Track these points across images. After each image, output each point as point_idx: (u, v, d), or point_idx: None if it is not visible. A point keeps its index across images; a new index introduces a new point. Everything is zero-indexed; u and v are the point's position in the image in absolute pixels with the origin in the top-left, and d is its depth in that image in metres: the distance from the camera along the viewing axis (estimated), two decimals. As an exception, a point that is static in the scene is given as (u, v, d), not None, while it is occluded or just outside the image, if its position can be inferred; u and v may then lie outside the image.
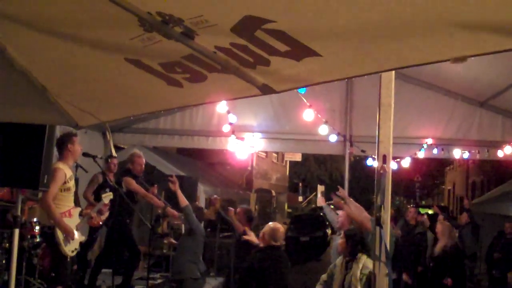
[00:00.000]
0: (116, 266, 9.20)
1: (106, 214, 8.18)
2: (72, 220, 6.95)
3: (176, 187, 7.67)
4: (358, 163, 35.60)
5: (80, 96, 3.58)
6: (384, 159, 5.00)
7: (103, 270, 9.55)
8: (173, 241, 10.13)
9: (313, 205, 46.58)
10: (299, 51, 2.46)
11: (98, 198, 8.40)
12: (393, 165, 7.46)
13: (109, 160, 9.31)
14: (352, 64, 2.67)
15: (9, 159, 5.55)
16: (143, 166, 9.35)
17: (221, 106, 10.87)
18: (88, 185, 9.27)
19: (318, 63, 2.58)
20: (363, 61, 2.61)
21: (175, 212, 8.73)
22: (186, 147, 15.90)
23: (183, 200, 7.56)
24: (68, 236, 6.76)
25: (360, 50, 2.48)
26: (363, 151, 12.15)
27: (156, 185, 9.40)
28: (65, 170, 6.78)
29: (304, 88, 9.27)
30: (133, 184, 8.94)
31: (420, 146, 12.23)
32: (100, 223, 8.36)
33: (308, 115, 10.40)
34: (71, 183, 6.94)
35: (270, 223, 6.38)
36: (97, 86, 3.39)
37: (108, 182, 9.00)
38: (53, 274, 7.21)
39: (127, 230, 9.18)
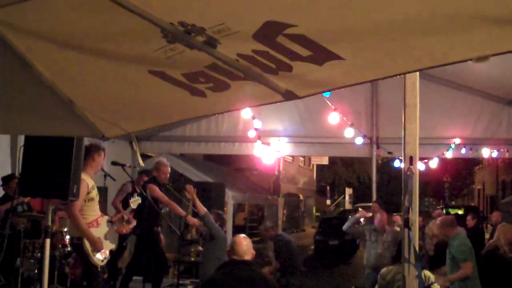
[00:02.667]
0: (146, 273, 9.26)
1: (134, 222, 8.25)
2: (100, 230, 7.00)
3: (193, 196, 7.75)
4: (386, 165, 35.37)
5: (106, 108, 3.62)
6: (411, 160, 4.97)
7: (134, 278, 9.61)
8: (200, 248, 10.19)
9: (342, 208, 46.39)
10: (321, 55, 2.46)
11: (126, 207, 8.49)
12: (420, 166, 7.40)
13: (142, 175, 9.41)
14: (375, 66, 2.66)
15: (39, 171, 5.63)
16: (168, 175, 9.40)
17: (246, 112, 10.89)
18: (117, 193, 9.38)
19: (341, 67, 2.58)
20: (386, 63, 2.60)
21: (196, 220, 8.80)
22: (212, 153, 15.96)
23: (202, 208, 7.63)
24: (97, 247, 6.80)
25: (382, 52, 2.48)
26: (389, 152, 12.09)
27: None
28: (87, 181, 6.80)
29: (329, 92, 9.25)
30: (157, 191, 8.99)
31: (448, 146, 12.12)
32: (128, 231, 8.43)
33: (334, 118, 10.39)
34: (94, 193, 6.97)
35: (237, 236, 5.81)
36: (122, 98, 3.43)
37: (136, 191, 9.09)
38: (85, 283, 7.28)
39: (155, 237, 9.24)
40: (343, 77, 2.80)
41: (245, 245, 5.15)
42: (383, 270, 6.66)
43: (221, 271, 5.14)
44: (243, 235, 5.57)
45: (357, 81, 2.95)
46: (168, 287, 10.42)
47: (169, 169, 9.47)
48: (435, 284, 6.11)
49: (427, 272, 6.19)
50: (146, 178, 9.51)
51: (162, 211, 9.53)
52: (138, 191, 9.15)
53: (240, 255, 5.09)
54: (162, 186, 9.13)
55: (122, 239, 9.26)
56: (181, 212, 9.08)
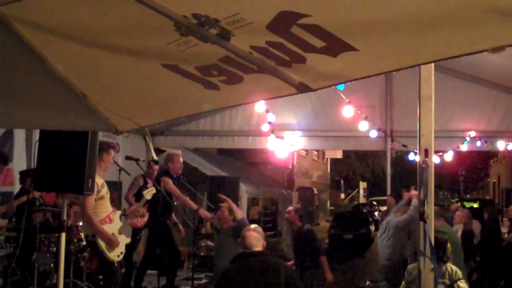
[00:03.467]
0: (160, 267, 9.29)
1: (147, 215, 8.27)
2: (113, 225, 7.04)
3: (230, 204, 7.93)
4: (400, 159, 35.25)
5: (119, 102, 3.62)
6: (426, 153, 4.95)
7: (149, 272, 9.65)
8: (210, 243, 10.19)
9: (356, 202, 46.34)
10: (335, 46, 2.45)
11: (139, 200, 8.52)
12: (435, 159, 7.37)
13: (151, 165, 9.40)
14: (390, 57, 2.64)
15: (54, 165, 5.65)
16: (181, 164, 9.40)
17: (260, 106, 10.88)
18: (129, 188, 9.40)
19: (355, 58, 2.56)
20: (400, 54, 2.58)
21: (208, 214, 8.81)
22: (226, 147, 15.98)
23: (239, 213, 7.83)
24: (111, 244, 6.84)
25: (397, 43, 2.46)
26: (404, 145, 12.04)
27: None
28: (96, 179, 6.82)
29: (343, 85, 9.21)
30: (170, 184, 9.01)
31: (463, 139, 12.04)
32: (142, 224, 8.45)
33: (348, 111, 10.36)
34: (104, 191, 7.02)
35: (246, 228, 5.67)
36: (135, 92, 3.43)
37: (148, 185, 9.10)
38: (100, 277, 7.32)
39: (168, 230, 9.26)
40: (358, 69, 2.78)
41: (253, 237, 5.22)
42: (410, 266, 6.60)
43: (234, 265, 5.20)
44: (253, 226, 5.63)
45: (372, 73, 2.94)
46: (183, 280, 10.45)
47: (181, 159, 9.47)
48: (462, 281, 5.95)
49: (454, 267, 6.04)
50: (156, 167, 9.49)
51: (176, 203, 9.54)
52: (150, 183, 9.17)
53: (249, 247, 5.17)
54: (176, 179, 9.13)
55: (135, 232, 9.30)
56: (193, 206, 9.11)
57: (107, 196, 7.12)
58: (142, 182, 9.25)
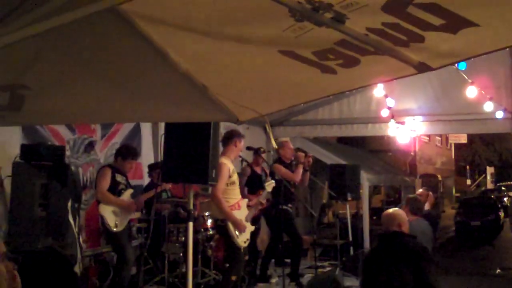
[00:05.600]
0: (284, 255, 9.40)
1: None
2: (241, 212, 7.21)
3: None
4: (530, 141, 33.44)
5: (239, 91, 3.70)
6: (558, 132, 4.70)
7: (273, 260, 9.79)
8: None
9: (483, 188, 44.52)
10: (455, 23, 2.38)
11: (251, 191, 8.61)
12: None
13: (255, 155, 9.45)
14: (513, 31, 2.53)
15: (180, 157, 5.89)
16: (292, 151, 9.46)
17: (378, 91, 10.69)
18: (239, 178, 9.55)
19: (476, 34, 2.47)
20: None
21: None
22: (345, 135, 15.84)
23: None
24: (239, 228, 7.02)
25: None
26: (533, 126, 11.38)
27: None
28: (228, 165, 7.04)
29: (465, 64, 8.87)
30: (281, 169, 9.05)
31: None
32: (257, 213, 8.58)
33: (471, 92, 9.96)
34: (235, 177, 7.19)
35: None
36: (254, 80, 3.49)
37: (256, 173, 9.17)
38: (227, 265, 7.54)
39: (290, 218, 9.33)
40: (480, 44, 2.69)
41: (387, 218, 5.50)
42: None
43: (376, 244, 5.64)
44: (391, 210, 5.78)
45: (494, 48, 2.82)
46: (307, 268, 10.52)
47: (291, 145, 9.54)
48: None
49: None
50: (259, 157, 9.48)
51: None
52: (259, 172, 9.25)
53: (386, 228, 5.45)
54: (289, 165, 9.18)
55: (253, 221, 9.47)
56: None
57: (237, 182, 7.30)
58: (249, 171, 9.30)
